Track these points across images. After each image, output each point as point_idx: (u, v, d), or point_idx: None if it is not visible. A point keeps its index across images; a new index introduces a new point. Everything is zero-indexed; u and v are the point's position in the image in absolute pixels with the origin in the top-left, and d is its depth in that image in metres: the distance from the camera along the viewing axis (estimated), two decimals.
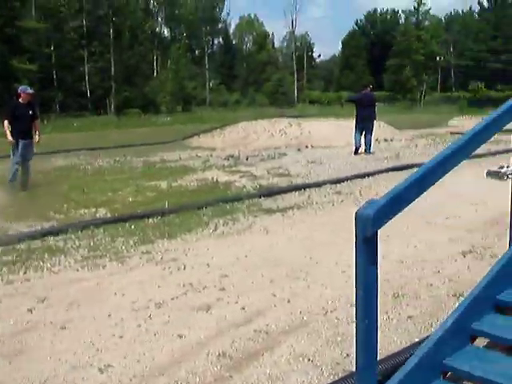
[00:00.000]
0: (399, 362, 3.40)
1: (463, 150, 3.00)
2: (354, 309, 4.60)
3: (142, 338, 4.25)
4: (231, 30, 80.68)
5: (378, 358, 2.87)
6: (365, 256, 2.52)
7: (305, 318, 4.57)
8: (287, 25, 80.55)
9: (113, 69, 51.09)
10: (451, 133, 24.58)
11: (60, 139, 23.23)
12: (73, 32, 49.26)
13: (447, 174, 2.89)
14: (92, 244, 6.99)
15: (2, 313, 4.84)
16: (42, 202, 10.05)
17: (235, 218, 8.33)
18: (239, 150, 18.25)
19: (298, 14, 77.45)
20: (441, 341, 3.04)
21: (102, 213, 8.94)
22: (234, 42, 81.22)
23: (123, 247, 6.82)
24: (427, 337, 3.69)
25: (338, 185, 10.96)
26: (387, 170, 12.54)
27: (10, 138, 11.09)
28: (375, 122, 17.36)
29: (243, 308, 4.80)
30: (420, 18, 77.09)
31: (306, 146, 19.29)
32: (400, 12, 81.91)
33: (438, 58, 71.94)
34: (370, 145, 16.83)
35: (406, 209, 2.67)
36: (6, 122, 11.15)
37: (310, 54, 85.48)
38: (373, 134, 17.01)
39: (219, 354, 3.96)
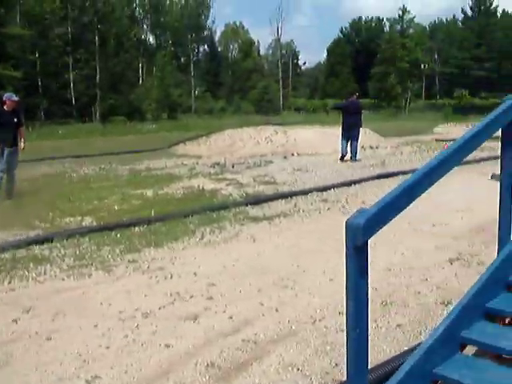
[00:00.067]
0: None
1: (454, 157, 3.00)
2: (343, 317, 4.61)
3: (130, 349, 4.21)
4: (217, 38, 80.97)
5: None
6: (355, 265, 2.51)
7: (293, 327, 4.54)
8: (273, 32, 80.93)
9: (98, 76, 50.95)
10: (436, 140, 24.72)
11: (45, 147, 23.10)
12: (58, 39, 49.06)
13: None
14: (78, 253, 6.93)
15: None
16: (27, 210, 9.95)
17: (222, 226, 8.30)
18: (225, 158, 18.24)
19: (283, 22, 77.57)
20: (431, 349, 3.03)
21: (87, 221, 8.87)
22: (219, 50, 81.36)
23: (109, 256, 6.76)
24: (417, 345, 3.70)
25: (324, 192, 10.97)
26: (373, 178, 12.57)
27: None
28: (361, 129, 17.42)
29: (231, 317, 4.77)
30: (404, 26, 77.87)
31: (292, 154, 19.32)
32: (385, 20, 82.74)
33: (422, 66, 72.60)
34: (356, 152, 16.87)
35: None
36: None
37: (295, 61, 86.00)
38: (359, 141, 17.06)
39: (208, 364, 3.93)
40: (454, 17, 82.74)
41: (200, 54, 77.84)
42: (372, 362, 3.55)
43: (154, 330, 4.53)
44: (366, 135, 20.50)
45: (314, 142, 20.70)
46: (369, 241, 2.52)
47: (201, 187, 11.99)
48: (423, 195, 2.80)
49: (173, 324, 4.65)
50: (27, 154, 12.63)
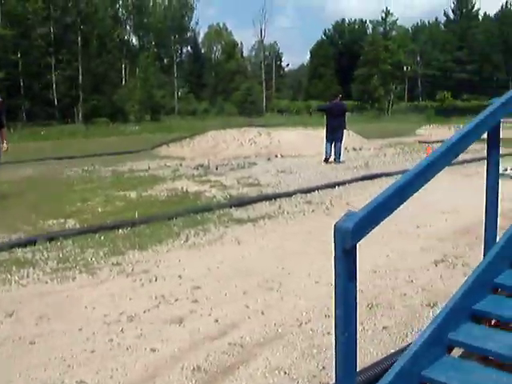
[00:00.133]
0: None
1: (441, 160, 3.00)
2: (329, 320, 4.61)
3: (115, 353, 4.17)
4: (200, 39, 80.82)
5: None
6: (344, 269, 2.49)
7: (279, 330, 4.53)
8: (256, 34, 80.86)
9: (81, 77, 50.59)
10: (419, 142, 24.86)
11: (27, 148, 22.92)
12: (40, 39, 48.66)
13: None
14: (61, 256, 6.86)
15: None
16: (10, 212, 9.84)
17: (206, 228, 8.27)
18: (208, 160, 18.20)
19: (266, 23, 77.56)
20: (419, 352, 3.03)
21: (70, 223, 8.79)
22: (202, 51, 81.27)
23: (93, 259, 6.70)
24: (404, 347, 3.70)
25: (308, 194, 10.97)
26: (357, 180, 12.61)
27: None
28: (345, 131, 17.46)
29: (217, 320, 4.74)
30: (387, 28, 78.26)
31: (276, 156, 19.33)
32: (368, 22, 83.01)
33: (405, 68, 73.04)
34: (340, 154, 16.92)
35: None
36: None
37: (278, 63, 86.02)
38: (343, 142, 17.11)
39: (194, 368, 3.90)
40: (436, 19, 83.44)
41: (183, 56, 77.70)
42: (359, 364, 3.55)
43: (139, 334, 4.49)
44: (349, 137, 20.56)
45: (298, 144, 20.70)
46: None
47: (184, 189, 11.95)
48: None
49: (158, 327, 4.61)
50: (9, 156, 12.50)
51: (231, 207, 9.76)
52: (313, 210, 9.52)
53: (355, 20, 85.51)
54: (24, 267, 6.37)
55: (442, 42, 76.32)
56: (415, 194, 2.83)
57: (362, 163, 16.23)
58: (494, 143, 3.67)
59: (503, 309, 3.51)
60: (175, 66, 69.90)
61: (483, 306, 3.48)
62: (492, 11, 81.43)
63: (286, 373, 3.83)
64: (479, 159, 13.22)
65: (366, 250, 6.08)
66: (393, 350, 4.00)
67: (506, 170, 11.92)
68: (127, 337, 4.43)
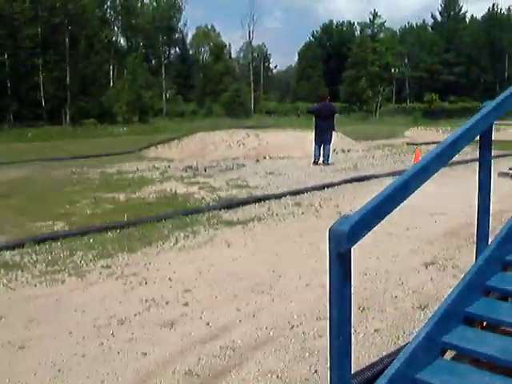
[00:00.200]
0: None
1: (436, 163, 3.00)
2: (321, 323, 4.61)
3: (106, 357, 4.14)
4: (188, 41, 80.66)
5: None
6: (339, 272, 2.49)
7: (271, 333, 4.51)
8: (244, 35, 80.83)
9: (68, 78, 50.32)
10: (407, 144, 24.92)
11: (14, 150, 22.80)
12: (27, 40, 48.31)
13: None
14: (50, 258, 6.82)
15: None
16: None
17: (196, 230, 8.24)
18: (197, 161, 18.15)
19: (255, 24, 77.53)
20: (413, 355, 3.02)
21: (59, 226, 8.74)
22: (190, 53, 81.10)
23: (82, 262, 6.66)
24: (397, 350, 3.69)
25: (297, 196, 10.96)
26: (346, 182, 12.61)
27: None
28: (333, 132, 17.46)
29: (208, 324, 4.72)
30: (375, 30, 78.49)
31: (264, 157, 19.31)
32: (356, 24, 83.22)
33: (392, 70, 73.33)
34: (329, 155, 16.91)
35: None
36: None
37: (266, 64, 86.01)
38: (331, 144, 17.10)
39: (185, 372, 3.88)
40: (423, 22, 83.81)
41: (171, 57, 77.50)
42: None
43: (130, 338, 4.46)
44: (337, 138, 20.57)
45: (286, 145, 20.69)
46: None
47: (173, 191, 11.91)
48: None
49: (149, 331, 4.59)
50: None
51: (220, 209, 9.73)
52: (302, 212, 9.50)
53: (343, 22, 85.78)
54: (12, 270, 6.33)
55: (429, 44, 76.71)
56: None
57: (351, 165, 16.25)
58: (486, 146, 3.68)
59: (495, 311, 3.52)
60: (163, 67, 69.74)
61: (475, 309, 3.49)
62: (479, 14, 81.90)
63: (278, 376, 3.82)
64: (467, 161, 13.30)
65: (355, 252, 6.08)
66: (385, 353, 4.00)
67: None
68: (118, 341, 4.41)
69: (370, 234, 6.50)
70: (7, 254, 7.00)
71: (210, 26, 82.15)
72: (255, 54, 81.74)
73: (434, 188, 10.63)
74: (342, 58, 73.87)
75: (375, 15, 79.46)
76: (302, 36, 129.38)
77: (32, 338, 4.51)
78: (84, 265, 6.54)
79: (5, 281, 5.97)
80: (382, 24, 79.79)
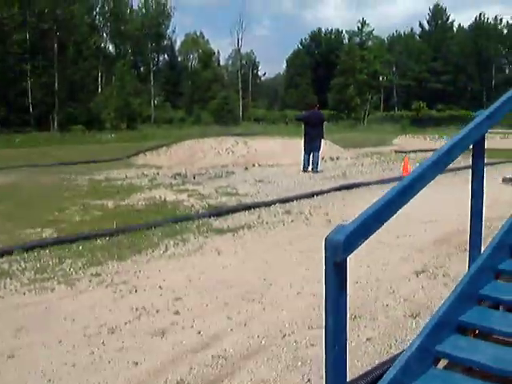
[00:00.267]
0: None
1: (430, 172, 3.01)
2: (313, 331, 4.59)
3: (96, 366, 4.09)
4: (177, 48, 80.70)
5: None
6: (335, 282, 2.47)
7: (263, 342, 4.48)
8: (233, 43, 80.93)
9: (56, 84, 50.21)
10: (396, 151, 25.04)
11: (2, 155, 22.67)
12: (16, 45, 48.17)
13: None
14: (39, 266, 6.75)
15: None
16: None
17: (185, 238, 8.20)
18: (186, 169, 18.12)
19: (243, 32, 77.66)
20: (407, 364, 3.02)
21: (48, 233, 8.67)
22: (179, 60, 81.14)
23: (71, 269, 6.60)
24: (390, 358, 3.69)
25: (287, 204, 10.96)
26: (336, 189, 12.62)
27: None
28: (322, 140, 17.50)
29: (199, 332, 4.69)
30: (363, 38, 78.90)
31: (253, 165, 19.31)
32: (344, 32, 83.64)
33: (381, 78, 73.79)
34: (318, 163, 16.94)
35: None
36: None
37: (255, 72, 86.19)
38: (320, 152, 17.14)
39: (177, 382, 3.84)
40: (411, 30, 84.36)
41: (160, 64, 77.54)
42: None
43: (120, 347, 4.42)
44: (326, 146, 20.61)
45: (275, 153, 20.71)
46: None
47: (162, 198, 11.87)
48: None
49: (140, 340, 4.55)
50: None
51: (210, 217, 9.70)
52: (292, 220, 9.49)
53: (331, 30, 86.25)
54: (0, 278, 6.26)
55: (417, 53, 77.29)
56: None
57: (340, 173, 16.29)
58: (479, 154, 3.70)
59: (486, 320, 3.52)
60: (152, 74, 69.76)
61: (468, 318, 3.49)
62: (466, 23, 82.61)
63: None
64: (453, 170, 13.34)
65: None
66: (377, 362, 3.99)
67: None
68: (109, 350, 4.36)
69: None
70: None
71: (198, 33, 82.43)
72: (244, 62, 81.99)
73: (422, 195, 10.72)
74: (330, 66, 74.24)
75: (363, 23, 79.98)
76: (290, 44, 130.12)
77: (21, 346, 4.45)
78: (73, 272, 6.48)
79: None
80: (371, 32, 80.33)
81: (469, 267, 3.79)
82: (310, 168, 16.79)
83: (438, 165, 3.10)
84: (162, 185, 14.21)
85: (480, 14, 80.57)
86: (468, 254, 3.88)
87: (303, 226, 9.09)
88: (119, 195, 12.35)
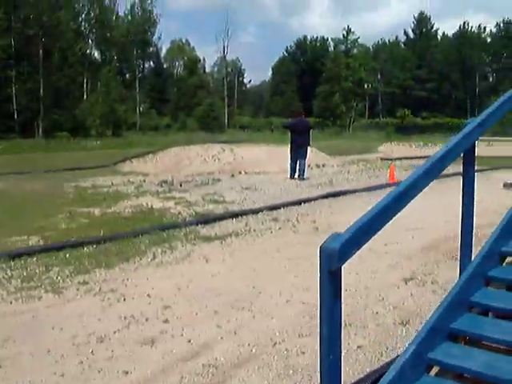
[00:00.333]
0: None
1: (422, 180, 3.02)
2: (303, 340, 4.58)
3: (86, 376, 4.05)
4: (162, 54, 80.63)
5: None
6: (329, 290, 2.47)
7: (253, 351, 4.47)
8: (218, 50, 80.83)
9: (41, 90, 49.93)
10: (381, 159, 25.14)
11: None
12: (1, 51, 47.86)
13: None
14: (25, 274, 6.69)
15: None
16: None
17: (173, 246, 8.17)
18: (172, 176, 18.05)
19: (229, 39, 77.64)
20: (401, 372, 3.02)
21: (34, 240, 8.60)
22: (165, 66, 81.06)
23: (59, 277, 6.54)
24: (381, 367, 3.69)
25: (274, 211, 10.96)
26: (323, 197, 12.64)
27: None
28: (308, 147, 17.53)
29: (189, 341, 4.66)
30: (349, 46, 79.29)
31: (240, 172, 19.30)
32: (329, 40, 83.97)
33: (366, 86, 74.09)
34: (304, 170, 16.96)
35: None
36: None
37: (240, 79, 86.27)
38: (307, 159, 17.16)
39: None
40: (396, 38, 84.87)
41: (145, 70, 77.38)
42: None
43: (110, 356, 4.38)
44: (312, 154, 20.66)
45: (261, 160, 20.72)
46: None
47: (149, 206, 11.82)
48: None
49: (129, 349, 4.51)
50: None
51: (197, 224, 9.68)
52: (280, 228, 9.49)
53: (317, 37, 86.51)
54: None
55: (401, 61, 77.74)
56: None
57: (326, 180, 16.32)
58: (469, 162, 3.71)
59: (476, 326, 3.53)
60: (137, 81, 69.54)
61: (460, 325, 3.50)
62: (450, 31, 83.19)
63: None
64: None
65: None
66: (368, 370, 3.98)
67: None
68: (98, 359, 4.32)
69: None
70: None
71: (184, 40, 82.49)
72: (229, 69, 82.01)
73: (411, 202, 10.75)
74: (315, 74, 74.43)
75: (349, 31, 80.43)
76: (276, 51, 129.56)
77: (8, 356, 4.40)
78: (61, 281, 6.43)
79: None
80: (356, 40, 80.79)
81: (460, 274, 3.80)
82: (296, 175, 16.81)
83: (431, 172, 3.11)
84: (148, 192, 14.16)
85: (464, 23, 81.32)
86: (459, 262, 3.89)
87: (291, 233, 9.09)
88: (106, 202, 12.28)
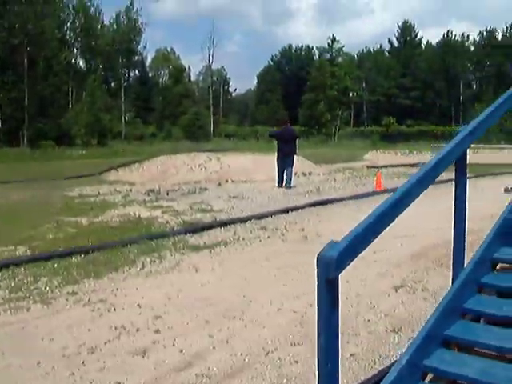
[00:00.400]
0: None
1: (416, 188, 3.03)
2: (295, 348, 4.57)
3: None
4: (147, 63, 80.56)
5: None
6: (327, 299, 2.45)
7: (246, 360, 4.44)
8: (204, 59, 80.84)
9: (26, 99, 49.64)
10: (368, 167, 25.24)
11: None
12: None
13: None
14: (13, 285, 6.62)
15: None
16: None
17: (162, 255, 8.14)
18: (159, 185, 18.01)
19: (214, 48, 77.62)
20: (397, 379, 3.01)
21: (21, 250, 8.51)
22: (150, 75, 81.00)
23: (47, 288, 6.49)
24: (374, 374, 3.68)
25: (262, 220, 10.96)
26: (310, 205, 12.66)
27: None
28: (295, 156, 17.57)
29: (181, 351, 4.63)
30: (334, 54, 79.66)
31: (227, 181, 19.29)
32: (314, 48, 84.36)
33: (351, 94, 74.46)
34: (291, 179, 17.00)
35: None
36: None
37: (226, 88, 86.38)
38: (293, 167, 17.19)
39: None
40: (380, 47, 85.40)
41: (131, 79, 77.24)
42: None
43: (101, 367, 4.33)
44: (298, 162, 20.69)
45: (248, 169, 20.72)
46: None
47: (137, 215, 11.77)
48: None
49: (121, 359, 4.47)
50: None
51: (186, 233, 9.65)
52: (268, 236, 9.49)
53: (302, 46, 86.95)
54: None
55: (386, 69, 78.27)
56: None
57: (313, 188, 16.35)
58: (461, 170, 3.73)
59: (468, 333, 3.54)
60: (122, 90, 69.38)
61: (453, 332, 3.50)
62: (434, 40, 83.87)
63: None
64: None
65: None
66: (362, 378, 3.97)
67: None
68: (89, 370, 4.27)
69: None
70: None
71: (169, 49, 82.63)
72: (215, 78, 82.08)
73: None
74: (300, 82, 74.66)
75: (333, 40, 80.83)
76: (261, 60, 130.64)
77: None
78: (49, 291, 6.37)
79: None
80: (341, 49, 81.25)
81: (452, 281, 3.81)
82: (283, 184, 16.82)
83: (425, 180, 3.11)
84: (135, 201, 14.10)
85: (447, 31, 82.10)
86: (452, 269, 3.89)
87: (279, 241, 9.08)
88: (93, 212, 12.22)
